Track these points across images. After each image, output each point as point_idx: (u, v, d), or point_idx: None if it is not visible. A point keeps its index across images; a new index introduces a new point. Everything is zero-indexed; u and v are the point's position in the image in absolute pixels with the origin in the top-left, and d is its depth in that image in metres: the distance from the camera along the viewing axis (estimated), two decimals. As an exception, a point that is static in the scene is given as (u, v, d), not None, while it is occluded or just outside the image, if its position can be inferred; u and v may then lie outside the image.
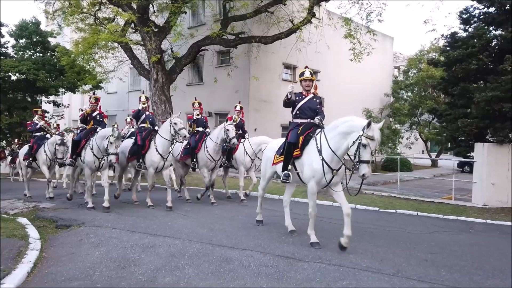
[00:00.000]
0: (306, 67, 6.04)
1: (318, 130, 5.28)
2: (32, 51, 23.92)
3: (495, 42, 8.64)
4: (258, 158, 9.16)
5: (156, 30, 15.82)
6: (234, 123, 9.16)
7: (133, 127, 11.42)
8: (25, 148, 10.89)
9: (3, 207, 8.68)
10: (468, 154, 10.46)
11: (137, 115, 8.98)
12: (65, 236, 5.96)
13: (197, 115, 9.51)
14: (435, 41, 16.82)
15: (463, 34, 9.42)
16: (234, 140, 8.47)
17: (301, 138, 5.32)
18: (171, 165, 8.85)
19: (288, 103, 5.63)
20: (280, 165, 5.58)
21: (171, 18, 15.17)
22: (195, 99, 10.03)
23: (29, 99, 24.02)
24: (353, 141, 4.58)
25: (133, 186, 9.51)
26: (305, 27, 15.20)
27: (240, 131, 9.70)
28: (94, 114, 8.63)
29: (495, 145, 8.88)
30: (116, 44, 17.56)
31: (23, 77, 21.54)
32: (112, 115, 29.41)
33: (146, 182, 10.54)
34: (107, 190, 7.71)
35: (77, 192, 10.38)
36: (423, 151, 30.51)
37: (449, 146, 20.23)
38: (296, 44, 15.89)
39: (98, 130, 8.06)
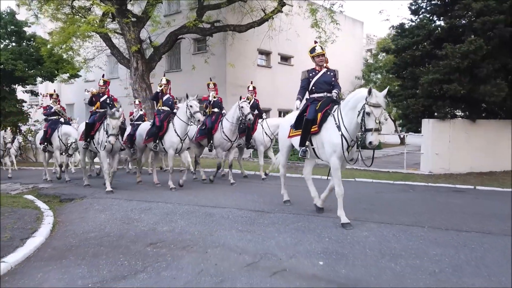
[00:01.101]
0: (315, 42, 6.16)
1: (335, 107, 5.24)
2: (7, 41, 24.00)
3: (436, 32, 9.98)
4: (276, 137, 9.02)
5: (134, 20, 16.51)
6: (249, 102, 9.14)
7: (141, 109, 11.63)
8: (41, 133, 11.10)
9: (3, 189, 9.55)
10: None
11: (155, 97, 8.96)
12: (71, 207, 7.00)
13: (214, 96, 9.54)
14: (389, 30, 18.13)
15: (411, 24, 10.75)
16: (250, 116, 8.40)
17: (319, 115, 5.31)
18: (188, 148, 8.96)
19: (302, 85, 5.81)
20: (296, 138, 5.67)
21: (149, 8, 15.90)
22: (210, 80, 10.09)
23: (6, 89, 24.21)
24: (358, 111, 4.59)
25: (154, 169, 9.40)
26: (276, 16, 16.23)
27: (256, 111, 9.62)
28: (103, 98, 8.69)
29: (438, 121, 10.32)
30: (92, 33, 18.08)
31: (0, 67, 21.76)
32: (91, 103, 29.83)
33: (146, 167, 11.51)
34: (107, 177, 7.97)
35: (92, 176, 10.69)
36: (395, 130, 32.34)
37: (400, 122, 21.66)
38: (269, 32, 16.92)
39: None
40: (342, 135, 4.91)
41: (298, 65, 23.24)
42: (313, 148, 5.44)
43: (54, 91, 11.19)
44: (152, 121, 8.93)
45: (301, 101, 5.82)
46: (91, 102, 8.79)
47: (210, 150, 9.31)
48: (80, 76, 24.82)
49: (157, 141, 8.32)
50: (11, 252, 4.21)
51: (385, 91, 4.60)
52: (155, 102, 9.17)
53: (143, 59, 17.07)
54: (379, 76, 31.51)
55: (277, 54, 23.08)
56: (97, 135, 8.13)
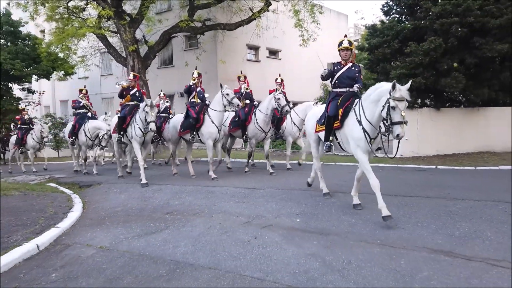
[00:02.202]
0: (345, 36, 6.16)
1: (356, 101, 5.31)
2: (3, 41, 24.77)
3: (403, 32, 11.30)
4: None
5: (129, 20, 17.54)
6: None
7: (167, 101, 11.92)
8: (69, 126, 11.62)
9: (21, 181, 10.70)
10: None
11: (188, 90, 9.10)
12: (92, 191, 8.24)
13: (246, 88, 9.81)
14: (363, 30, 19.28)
15: (382, 24, 12.06)
16: (287, 108, 8.61)
17: (340, 111, 5.41)
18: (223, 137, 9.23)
19: (324, 77, 5.83)
20: (322, 133, 5.82)
21: (144, 10, 16.95)
22: (241, 73, 10.35)
23: (3, 87, 25.04)
24: (383, 106, 4.62)
25: (189, 160, 9.53)
26: (263, 15, 17.40)
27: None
28: (133, 91, 9.04)
29: (407, 110, 11.68)
30: (87, 32, 18.96)
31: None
32: (85, 99, 30.77)
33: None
34: (142, 169, 8.22)
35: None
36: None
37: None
38: (256, 30, 18.09)
39: (140, 105, 8.45)
40: (363, 129, 4.97)
41: (286, 59, 24.55)
42: (338, 142, 5.60)
43: (84, 87, 11.77)
44: (184, 113, 9.13)
45: (324, 78, 5.89)
46: (121, 95, 9.12)
47: (245, 142, 9.66)
48: (75, 73, 25.77)
49: (194, 133, 8.60)
50: (59, 222, 5.44)
51: (408, 84, 4.59)
52: (186, 95, 9.32)
53: (139, 57, 18.12)
54: (362, 64, 32.95)
55: (265, 49, 24.21)
56: (129, 128, 8.53)
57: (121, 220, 5.56)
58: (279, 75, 10.45)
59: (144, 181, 8.03)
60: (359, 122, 5.03)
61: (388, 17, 12.28)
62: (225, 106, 8.27)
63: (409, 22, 11.06)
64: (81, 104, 11.04)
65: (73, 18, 18.86)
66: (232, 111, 8.85)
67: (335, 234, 4.50)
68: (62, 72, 23.65)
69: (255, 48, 23.85)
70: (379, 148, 5.22)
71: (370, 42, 11.72)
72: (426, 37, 10.56)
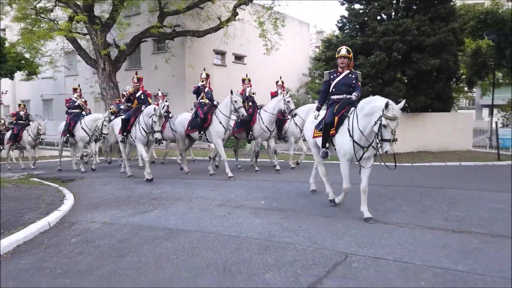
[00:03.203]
0: (344, 44, 6.48)
1: (352, 109, 5.36)
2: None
3: (354, 46, 12.92)
4: None
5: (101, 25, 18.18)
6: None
7: (166, 101, 12.17)
8: (62, 124, 11.61)
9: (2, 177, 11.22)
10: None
11: (197, 91, 9.36)
12: (76, 184, 9.08)
13: (253, 93, 10.11)
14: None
15: (336, 39, 13.66)
16: (296, 111, 9.07)
17: (336, 118, 5.51)
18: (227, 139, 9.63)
19: (322, 103, 6.21)
20: (319, 139, 5.94)
21: (115, 15, 17.67)
22: (246, 76, 10.50)
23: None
24: (375, 122, 4.71)
25: (184, 157, 10.03)
26: (230, 24, 18.63)
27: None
28: (138, 94, 9.24)
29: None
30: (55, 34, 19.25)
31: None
32: (48, 100, 30.53)
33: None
34: (147, 165, 8.50)
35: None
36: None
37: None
38: (224, 38, 19.27)
39: (143, 108, 8.65)
40: (353, 139, 5.10)
41: (251, 64, 25.86)
42: (335, 149, 5.68)
43: (79, 86, 11.86)
44: (193, 112, 9.49)
45: (319, 110, 6.14)
46: (128, 100, 9.36)
47: (249, 142, 10.12)
48: (40, 73, 25.74)
49: (202, 132, 9.01)
50: (58, 207, 6.33)
51: (401, 104, 4.67)
52: (196, 95, 9.54)
53: (109, 60, 18.79)
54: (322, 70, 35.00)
55: (231, 54, 25.41)
56: (133, 129, 8.74)
57: (113, 205, 6.56)
58: (280, 78, 10.78)
59: (148, 177, 8.40)
60: (349, 131, 5.17)
61: (342, 32, 13.89)
62: (231, 112, 8.58)
63: (359, 38, 12.71)
64: (76, 103, 11.09)
65: (41, 19, 19.18)
66: (235, 119, 9.09)
67: (291, 211, 5.77)
68: (27, 72, 23.63)
69: (222, 54, 24.98)
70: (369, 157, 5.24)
71: (326, 54, 13.26)
72: (373, 51, 12.21)
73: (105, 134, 10.56)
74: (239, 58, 26.23)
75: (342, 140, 5.35)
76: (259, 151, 10.09)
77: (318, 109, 6.18)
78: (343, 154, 5.37)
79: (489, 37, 17.54)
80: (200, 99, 9.30)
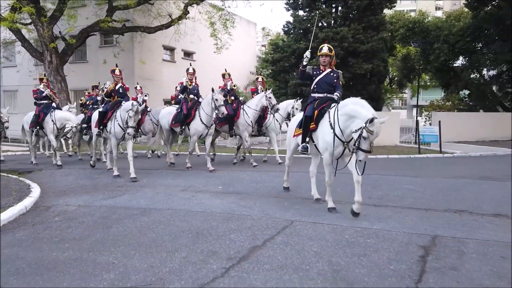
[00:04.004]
0: (326, 42, 6.28)
1: (333, 105, 5.35)
2: None
3: (298, 50, 14.24)
4: (289, 120, 9.26)
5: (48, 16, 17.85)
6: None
7: (146, 95, 11.79)
8: (30, 115, 11.01)
9: None
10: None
11: (184, 90, 9.47)
12: (36, 176, 9.32)
13: (234, 85, 10.40)
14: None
15: (282, 42, 14.91)
16: (278, 106, 9.47)
17: (316, 112, 5.50)
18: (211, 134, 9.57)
19: (303, 73, 5.84)
20: (300, 137, 5.89)
21: (63, 7, 17.47)
22: (225, 71, 10.59)
23: None
24: (356, 129, 4.71)
25: (168, 150, 10.27)
26: (181, 22, 19.16)
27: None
28: (117, 87, 9.04)
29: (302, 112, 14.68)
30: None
31: None
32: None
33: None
34: (131, 163, 8.23)
35: (101, 160, 11.16)
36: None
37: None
38: (174, 35, 19.75)
39: (123, 103, 8.48)
40: (334, 133, 5.09)
41: (200, 60, 26.43)
42: (315, 145, 5.66)
43: (45, 75, 11.03)
44: (179, 107, 9.61)
45: (304, 67, 5.77)
46: (109, 96, 9.17)
47: (231, 136, 10.39)
48: (-24, 63, 24.35)
49: (184, 127, 9.20)
50: (29, 194, 6.75)
51: (383, 119, 4.74)
52: (180, 93, 9.71)
53: (56, 53, 18.46)
54: (269, 71, 36.54)
55: (180, 50, 25.79)
56: (110, 124, 8.61)
57: (82, 192, 7.12)
58: (260, 74, 11.88)
59: (116, 173, 8.44)
60: (331, 125, 5.15)
61: (288, 36, 15.13)
62: (213, 109, 8.75)
63: (303, 43, 14.01)
64: (44, 94, 10.63)
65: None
66: (216, 117, 9.20)
67: (245, 194, 6.77)
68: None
69: (171, 49, 25.30)
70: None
71: (273, 56, 14.45)
72: (314, 55, 13.54)
73: (68, 137, 10.46)
74: (188, 54, 26.67)
75: (323, 133, 5.34)
76: (250, 146, 10.33)
77: (304, 67, 5.80)
78: (325, 147, 5.33)
79: (415, 45, 19.78)
80: (185, 95, 9.39)
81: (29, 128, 10.89)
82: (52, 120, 10.07)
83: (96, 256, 3.77)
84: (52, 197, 6.79)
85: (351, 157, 5.14)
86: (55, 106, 10.57)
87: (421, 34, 23.24)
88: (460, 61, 23.89)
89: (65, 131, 10.16)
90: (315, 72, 5.84)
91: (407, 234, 4.35)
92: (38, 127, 10.37)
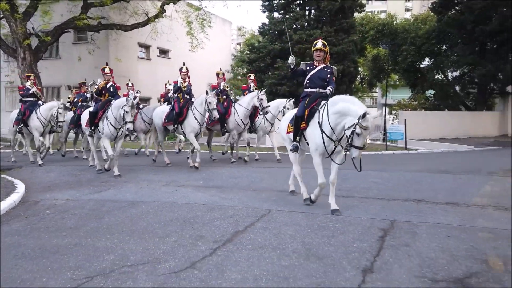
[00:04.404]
0: (320, 38, 6.21)
1: (323, 103, 5.31)
2: None
3: (273, 51, 14.81)
4: (278, 119, 9.47)
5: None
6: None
7: (137, 92, 11.60)
8: (15, 113, 10.86)
9: None
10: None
11: (178, 89, 9.54)
12: (16, 173, 9.44)
13: (227, 86, 10.52)
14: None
15: (260, 42, 15.45)
16: (268, 109, 9.52)
17: (306, 111, 5.46)
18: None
19: (295, 73, 5.83)
20: (291, 134, 5.86)
21: (37, 3, 17.31)
22: (220, 70, 10.74)
23: None
24: (348, 127, 4.71)
25: (163, 149, 10.22)
26: (158, 21, 19.33)
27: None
28: (108, 85, 8.90)
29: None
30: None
31: None
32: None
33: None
34: (116, 162, 8.30)
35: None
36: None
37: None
38: (151, 34, 19.89)
39: (113, 101, 8.39)
40: (322, 132, 5.08)
41: (176, 58, 26.55)
42: (307, 143, 5.63)
43: (32, 73, 10.83)
44: (171, 105, 9.69)
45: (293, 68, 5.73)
46: (99, 94, 9.01)
47: (223, 134, 10.54)
48: None
49: (176, 125, 9.27)
50: (15, 189, 6.96)
51: (377, 114, 4.80)
52: (174, 91, 9.79)
53: (30, 50, 18.24)
54: (245, 70, 37.05)
55: (156, 48, 25.84)
56: (101, 123, 8.51)
57: (67, 187, 7.40)
58: (253, 72, 11.20)
59: (116, 173, 8.22)
60: (319, 125, 5.13)
61: (263, 37, 15.67)
62: (205, 111, 8.83)
63: (278, 44, 14.58)
64: (31, 91, 10.50)
65: None
66: (208, 119, 9.31)
67: (225, 187, 7.25)
68: None
69: (146, 47, 25.31)
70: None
71: (250, 56, 14.96)
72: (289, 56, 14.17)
73: (61, 122, 10.05)
74: (164, 52, 26.74)
75: (313, 134, 5.31)
76: (234, 142, 10.56)
77: (292, 67, 5.79)
78: (314, 148, 5.33)
79: (384, 47, 20.70)
80: (178, 93, 9.50)
81: (13, 125, 10.77)
82: (38, 118, 9.92)
83: (94, 242, 4.17)
84: (37, 192, 7.04)
85: (345, 155, 5.10)
86: (41, 103, 10.42)
87: (390, 36, 24.31)
88: (426, 63, 25.17)
89: (55, 118, 9.86)
90: (308, 68, 5.80)
91: (370, 220, 4.96)
92: (22, 125, 10.25)
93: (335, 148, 5.21)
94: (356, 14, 17.61)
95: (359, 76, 29.70)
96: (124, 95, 8.92)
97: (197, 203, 5.86)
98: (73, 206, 5.88)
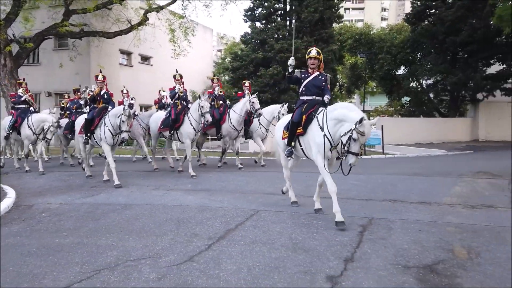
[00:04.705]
0: (314, 45, 6.42)
1: (320, 109, 5.41)
2: None
3: (256, 59, 15.27)
4: (273, 125, 9.54)
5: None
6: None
7: (132, 98, 11.91)
8: (7, 120, 10.78)
9: None
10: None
11: (173, 95, 9.68)
12: (4, 179, 9.50)
13: (219, 91, 10.66)
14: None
15: (242, 51, 15.90)
16: (260, 111, 9.58)
17: (304, 117, 5.50)
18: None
19: (291, 78, 5.76)
20: (286, 140, 5.87)
21: (18, 10, 17.26)
22: (213, 75, 11.08)
23: None
24: (345, 132, 4.74)
25: (154, 155, 10.63)
26: (141, 28, 19.53)
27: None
28: (102, 92, 8.96)
29: (259, 117, 15.73)
30: None
31: None
32: None
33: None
34: (114, 171, 8.17)
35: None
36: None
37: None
38: (134, 41, 20.06)
39: (109, 109, 8.48)
40: (324, 135, 5.09)
41: (157, 65, 26.75)
42: (302, 149, 5.68)
43: (24, 79, 11.02)
44: (167, 111, 9.77)
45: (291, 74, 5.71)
46: (93, 101, 9.06)
47: (219, 139, 10.50)
48: None
49: (173, 132, 9.33)
50: (6, 195, 7.09)
51: (373, 120, 4.84)
52: (171, 97, 9.86)
53: (11, 56, 18.13)
54: (226, 77, 37.49)
55: (137, 55, 25.97)
56: (98, 130, 8.50)
57: (58, 192, 7.57)
58: (247, 78, 11.22)
59: (117, 182, 8.04)
60: (321, 128, 5.15)
61: (246, 45, 16.13)
62: (199, 116, 8.88)
63: (260, 53, 15.07)
64: (22, 98, 10.48)
65: None
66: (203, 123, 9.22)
67: (214, 190, 7.58)
68: None
69: (128, 54, 25.42)
70: (338, 158, 5.28)
71: (233, 64, 15.38)
72: (271, 65, 14.67)
73: (48, 139, 10.01)
74: (145, 59, 26.89)
75: (314, 136, 5.28)
76: (226, 148, 10.74)
77: (290, 73, 5.73)
78: (316, 150, 5.24)
79: (361, 55, 21.53)
80: (175, 99, 9.63)
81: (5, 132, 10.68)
82: (29, 126, 9.92)
83: (95, 241, 4.44)
84: (29, 197, 7.19)
85: (341, 161, 5.09)
86: (32, 110, 10.42)
87: (367, 45, 25.22)
88: (401, 71, 26.18)
89: (44, 133, 9.84)
90: (303, 75, 5.85)
91: (350, 218, 5.39)
92: (11, 131, 10.23)
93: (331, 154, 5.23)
94: (334, 25, 18.29)
95: (338, 83, 30.59)
96: (119, 102, 8.96)
97: (189, 205, 6.17)
98: (68, 209, 6.09)
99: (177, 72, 9.91)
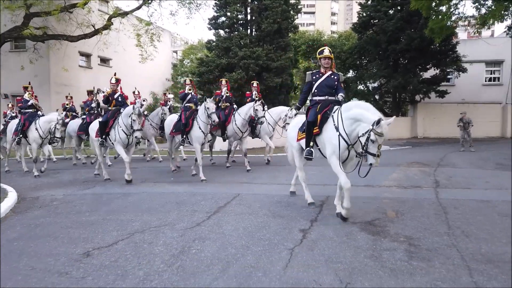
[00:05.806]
0: (325, 45, 6.23)
1: (335, 108, 5.35)
2: None
3: (221, 65, 16.57)
4: (279, 125, 10.35)
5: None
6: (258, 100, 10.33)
7: (144, 100, 11.96)
8: (13, 124, 10.85)
9: None
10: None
11: (183, 97, 9.93)
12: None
13: (226, 92, 10.98)
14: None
15: (208, 56, 17.12)
16: (263, 119, 9.90)
17: (319, 117, 5.49)
18: (209, 140, 10.12)
19: (305, 99, 6.20)
20: (303, 141, 5.86)
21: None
22: (223, 78, 11.31)
23: None
24: (363, 133, 4.71)
25: (176, 156, 10.83)
26: (107, 32, 20.08)
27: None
28: (116, 96, 9.12)
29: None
30: None
31: None
32: None
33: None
34: (128, 166, 8.50)
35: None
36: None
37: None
38: (99, 45, 20.54)
39: (122, 110, 8.66)
40: (339, 135, 5.04)
41: (117, 67, 26.92)
42: (319, 149, 5.67)
43: (29, 83, 11.05)
44: (179, 115, 9.97)
45: (298, 109, 6.22)
46: (107, 101, 9.19)
47: (224, 140, 10.85)
48: None
49: (184, 136, 9.43)
50: (10, 190, 7.82)
51: (391, 120, 4.73)
52: (182, 100, 10.11)
53: (-29, 58, 18.03)
54: (185, 79, 38.25)
55: (97, 56, 26.09)
56: (112, 132, 8.73)
57: (56, 187, 8.41)
58: (255, 79, 11.99)
59: (128, 178, 8.48)
60: (336, 128, 5.09)
61: (211, 52, 17.40)
62: (206, 118, 8.85)
63: (225, 59, 16.41)
64: (29, 103, 10.55)
65: None
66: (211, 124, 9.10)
67: (196, 182, 8.78)
68: None
69: (87, 56, 25.51)
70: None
71: (199, 69, 16.58)
72: (235, 70, 16.05)
73: (57, 138, 10.00)
74: (104, 61, 27.03)
75: (330, 136, 5.25)
76: (230, 149, 11.14)
77: (298, 108, 6.26)
78: (331, 151, 5.24)
79: (314, 61, 23.42)
80: (186, 103, 9.86)
81: (12, 136, 10.85)
82: (36, 129, 9.94)
83: (116, 217, 5.58)
84: (32, 191, 7.93)
85: (360, 162, 5.13)
86: (40, 114, 10.48)
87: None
88: (350, 74, 28.56)
89: (52, 133, 9.81)
90: (314, 77, 5.85)
91: (313, 196, 6.87)
92: (21, 135, 10.25)
93: (348, 154, 5.24)
94: (291, 34, 20.06)
95: (293, 86, 32.52)
96: (131, 103, 9.29)
97: (180, 192, 7.40)
98: (74, 198, 7.07)
99: (188, 76, 10.73)
